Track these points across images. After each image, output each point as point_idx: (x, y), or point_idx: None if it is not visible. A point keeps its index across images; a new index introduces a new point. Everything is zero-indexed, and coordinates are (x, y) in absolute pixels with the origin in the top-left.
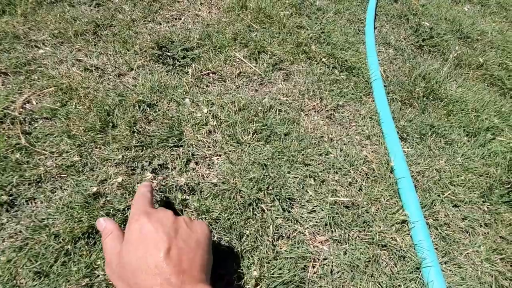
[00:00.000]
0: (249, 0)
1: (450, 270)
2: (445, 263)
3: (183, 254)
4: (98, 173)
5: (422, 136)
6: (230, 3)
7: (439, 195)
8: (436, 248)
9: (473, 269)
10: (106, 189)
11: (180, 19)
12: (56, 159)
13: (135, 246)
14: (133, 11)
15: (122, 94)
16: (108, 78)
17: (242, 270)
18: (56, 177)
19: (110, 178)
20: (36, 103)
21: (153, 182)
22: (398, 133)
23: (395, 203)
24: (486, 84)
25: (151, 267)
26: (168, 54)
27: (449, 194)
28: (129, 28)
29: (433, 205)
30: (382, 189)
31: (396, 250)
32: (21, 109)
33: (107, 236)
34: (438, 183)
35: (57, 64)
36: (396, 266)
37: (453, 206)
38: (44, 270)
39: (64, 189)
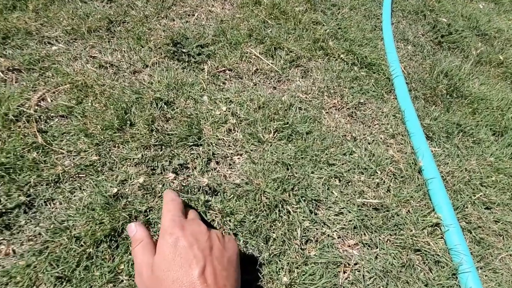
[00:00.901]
0: None
1: (486, 276)
2: (481, 268)
3: (217, 273)
4: (117, 173)
5: (449, 135)
6: None
7: (470, 197)
8: (471, 253)
9: (509, 274)
10: (127, 190)
11: (194, 15)
12: (74, 159)
13: (169, 261)
14: (146, 7)
15: (139, 91)
16: (123, 75)
17: (271, 275)
18: (75, 177)
19: (130, 179)
20: (51, 101)
21: (174, 183)
22: (424, 131)
23: (425, 205)
24: (508, 82)
25: (185, 285)
26: (183, 50)
27: (480, 195)
28: (142, 25)
29: (465, 207)
30: (412, 191)
31: (431, 254)
32: (36, 107)
33: (138, 244)
34: (468, 184)
35: (71, 61)
36: (431, 272)
37: (485, 208)
38: (66, 274)
39: (84, 189)
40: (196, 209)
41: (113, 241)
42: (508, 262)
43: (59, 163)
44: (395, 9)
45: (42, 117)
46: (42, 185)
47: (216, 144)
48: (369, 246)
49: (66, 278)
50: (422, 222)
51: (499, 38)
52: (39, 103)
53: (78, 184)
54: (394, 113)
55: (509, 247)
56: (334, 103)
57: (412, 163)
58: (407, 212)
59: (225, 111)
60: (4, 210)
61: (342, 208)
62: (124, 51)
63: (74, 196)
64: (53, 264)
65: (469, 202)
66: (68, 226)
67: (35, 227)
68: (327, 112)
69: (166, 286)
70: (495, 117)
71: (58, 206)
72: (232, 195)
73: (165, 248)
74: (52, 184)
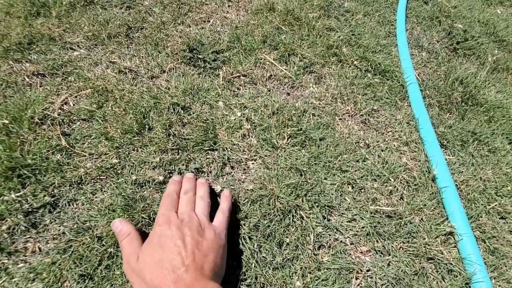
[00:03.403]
0: (276, 2)
1: (499, 286)
2: (495, 278)
3: (196, 256)
4: (136, 176)
5: (464, 144)
6: (258, 6)
7: (485, 206)
8: (484, 262)
9: None
10: (145, 193)
11: (209, 21)
12: (95, 161)
13: (153, 247)
14: (163, 13)
15: (156, 96)
16: (142, 81)
17: (284, 279)
18: (96, 179)
19: (149, 182)
20: (74, 105)
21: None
22: (438, 139)
23: (439, 214)
24: None
25: (166, 266)
26: (199, 56)
27: (495, 205)
28: (159, 31)
29: (479, 216)
30: (425, 199)
31: (444, 263)
32: (59, 110)
33: (125, 238)
34: (483, 193)
35: (92, 66)
36: (444, 281)
37: (500, 218)
38: (88, 272)
39: (104, 191)
40: (207, 183)
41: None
42: None
43: (82, 165)
44: (409, 15)
45: (65, 120)
46: (65, 186)
47: (231, 149)
48: (381, 253)
49: (89, 276)
50: (436, 231)
51: None
52: (62, 107)
53: (99, 186)
54: (408, 120)
55: None
56: (348, 109)
57: (426, 171)
58: (420, 220)
59: (239, 117)
60: (30, 210)
61: (355, 215)
62: (142, 56)
63: (96, 197)
64: (77, 262)
65: (484, 212)
66: (90, 226)
67: (59, 226)
68: (340, 119)
69: (150, 267)
70: (511, 125)
71: (81, 207)
72: (247, 200)
73: (152, 237)
74: (75, 185)
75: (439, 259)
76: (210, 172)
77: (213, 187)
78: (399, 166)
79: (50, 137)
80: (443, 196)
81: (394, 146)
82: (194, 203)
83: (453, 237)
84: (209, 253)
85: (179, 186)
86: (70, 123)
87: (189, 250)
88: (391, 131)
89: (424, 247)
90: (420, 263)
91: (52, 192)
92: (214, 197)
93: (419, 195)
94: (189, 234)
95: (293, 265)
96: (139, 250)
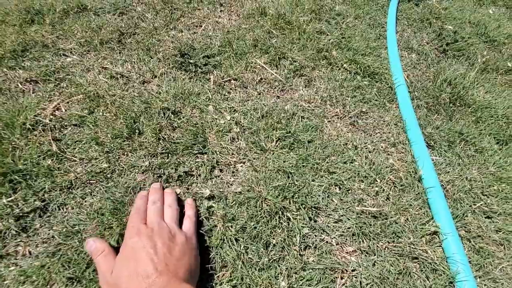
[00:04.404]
0: (268, 7)
1: (485, 285)
2: (480, 277)
3: (168, 263)
4: (126, 179)
5: (451, 144)
6: (249, 10)
7: (470, 206)
8: (469, 261)
9: (509, 284)
10: (134, 196)
11: (201, 26)
12: (85, 166)
13: (126, 259)
14: (155, 19)
15: (147, 101)
16: (133, 86)
17: (270, 280)
18: (86, 183)
19: (137, 185)
20: (65, 110)
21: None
22: (425, 140)
23: (424, 214)
24: None
25: (140, 273)
26: (190, 61)
27: (481, 204)
28: (152, 36)
29: (464, 216)
30: (411, 199)
31: (428, 262)
32: (51, 116)
33: (99, 254)
34: (469, 193)
35: (84, 72)
36: (428, 280)
37: (486, 218)
38: (76, 276)
39: (94, 195)
40: (174, 191)
41: (120, 245)
42: (509, 272)
43: (72, 170)
44: (400, 18)
45: (56, 126)
46: (56, 190)
47: (220, 152)
48: (367, 253)
49: (77, 279)
50: (421, 230)
51: (509, 44)
52: (54, 113)
53: (89, 190)
54: (396, 122)
55: (511, 257)
56: (337, 112)
57: (413, 171)
58: (405, 220)
59: (229, 120)
60: (21, 214)
61: (342, 216)
62: (134, 62)
63: (85, 202)
64: (65, 266)
65: (469, 211)
66: (79, 230)
67: (49, 230)
68: (329, 121)
69: (124, 278)
70: (499, 125)
71: (70, 211)
72: (234, 202)
73: (124, 250)
74: (65, 190)
75: (423, 259)
76: (199, 175)
77: (201, 191)
78: (386, 167)
79: (41, 142)
80: (429, 196)
81: (382, 147)
82: (162, 212)
83: (438, 237)
84: (182, 256)
85: (146, 200)
86: (62, 129)
87: (160, 256)
88: (379, 132)
89: (409, 246)
90: (404, 263)
91: (43, 197)
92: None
93: (405, 196)
94: (160, 241)
95: (279, 266)
96: (114, 264)
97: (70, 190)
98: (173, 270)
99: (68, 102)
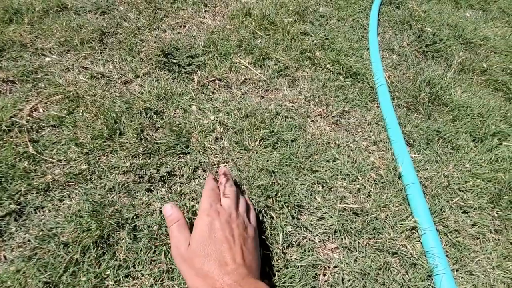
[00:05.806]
0: (253, 8)
1: (462, 278)
2: (457, 270)
3: (244, 255)
4: (106, 181)
5: (429, 142)
6: (234, 11)
7: (448, 201)
8: (447, 255)
9: (485, 276)
10: (114, 198)
11: (185, 26)
12: (64, 167)
13: (205, 238)
14: (138, 18)
15: (129, 101)
16: (115, 86)
17: None
18: (64, 185)
19: (118, 187)
20: (43, 111)
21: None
22: (404, 139)
23: (404, 210)
24: (490, 90)
25: (218, 258)
26: (174, 61)
27: (458, 200)
28: (134, 36)
29: (442, 211)
30: (391, 196)
31: (407, 257)
32: (28, 117)
33: (174, 223)
34: (446, 189)
35: (63, 72)
36: (407, 274)
37: (462, 212)
38: (53, 280)
39: (72, 197)
40: (238, 190)
41: (99, 247)
42: (484, 265)
43: (49, 172)
44: (382, 20)
45: (34, 127)
46: (32, 193)
47: (203, 152)
48: (349, 249)
49: (54, 284)
50: (400, 226)
51: (484, 46)
52: (31, 114)
53: (67, 192)
54: (377, 121)
55: (486, 250)
56: (320, 111)
57: (393, 169)
58: (386, 216)
59: (213, 120)
60: None
61: (324, 213)
62: (116, 62)
63: (63, 204)
64: (41, 270)
65: (447, 207)
66: (56, 233)
67: (24, 234)
68: (312, 120)
69: (200, 258)
70: (475, 123)
71: (47, 214)
72: None
73: (203, 226)
74: (42, 193)
75: (403, 253)
76: (182, 175)
77: (184, 187)
78: (367, 165)
79: (17, 144)
80: (408, 193)
81: (363, 146)
82: (236, 202)
83: (417, 232)
84: (253, 251)
85: (217, 184)
86: (39, 130)
87: (237, 246)
88: (361, 131)
89: (389, 242)
90: (385, 258)
91: (18, 200)
92: None
93: (386, 192)
94: (237, 231)
95: (262, 264)
96: (189, 236)
97: (48, 193)
98: (249, 265)
99: (46, 103)
